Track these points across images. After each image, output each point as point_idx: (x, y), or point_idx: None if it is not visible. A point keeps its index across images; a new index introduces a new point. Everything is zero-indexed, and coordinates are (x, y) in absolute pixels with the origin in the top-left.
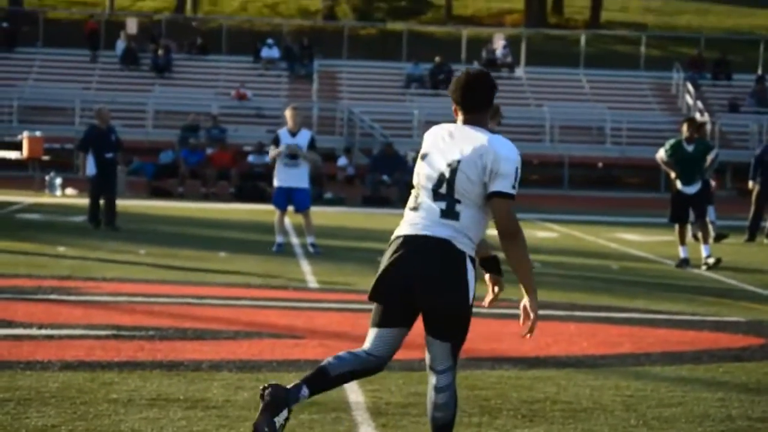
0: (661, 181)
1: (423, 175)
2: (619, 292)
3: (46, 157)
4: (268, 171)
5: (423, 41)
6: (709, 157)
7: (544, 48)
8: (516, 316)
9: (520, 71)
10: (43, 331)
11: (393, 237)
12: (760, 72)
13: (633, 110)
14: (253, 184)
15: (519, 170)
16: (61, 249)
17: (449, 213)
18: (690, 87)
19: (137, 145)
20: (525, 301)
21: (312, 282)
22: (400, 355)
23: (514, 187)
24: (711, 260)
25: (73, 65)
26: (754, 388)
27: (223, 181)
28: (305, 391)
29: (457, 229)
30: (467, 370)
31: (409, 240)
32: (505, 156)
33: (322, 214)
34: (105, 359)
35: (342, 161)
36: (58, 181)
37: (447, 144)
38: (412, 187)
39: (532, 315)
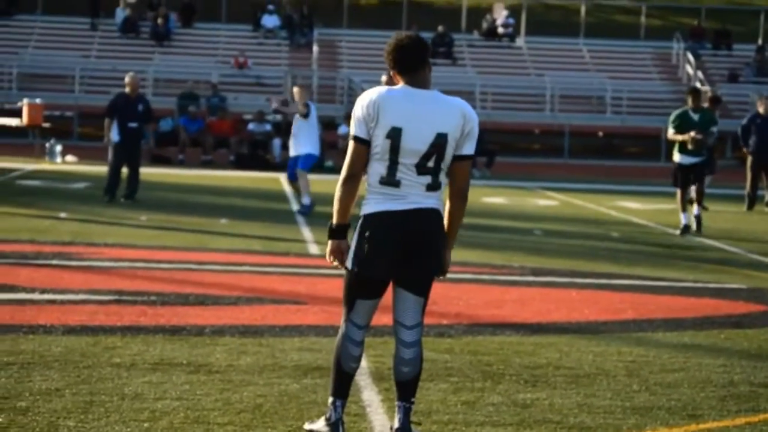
0: (662, 150)
1: (403, 150)
2: (620, 260)
3: (46, 125)
4: (268, 139)
5: (423, 10)
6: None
7: (544, 18)
8: (519, 283)
9: (520, 41)
10: (46, 296)
11: (373, 211)
12: (760, 42)
13: (633, 80)
14: (253, 152)
15: None
16: (63, 215)
17: (434, 186)
18: (690, 57)
19: None
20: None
21: (313, 248)
22: None
23: None
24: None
25: (73, 33)
26: (756, 354)
27: (222, 149)
28: (340, 408)
29: (439, 197)
30: (468, 335)
31: (399, 215)
32: (475, 118)
33: (322, 182)
34: (107, 324)
35: (343, 129)
36: (58, 148)
37: (421, 115)
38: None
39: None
